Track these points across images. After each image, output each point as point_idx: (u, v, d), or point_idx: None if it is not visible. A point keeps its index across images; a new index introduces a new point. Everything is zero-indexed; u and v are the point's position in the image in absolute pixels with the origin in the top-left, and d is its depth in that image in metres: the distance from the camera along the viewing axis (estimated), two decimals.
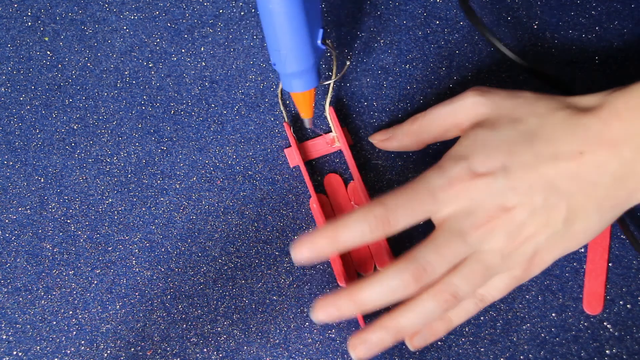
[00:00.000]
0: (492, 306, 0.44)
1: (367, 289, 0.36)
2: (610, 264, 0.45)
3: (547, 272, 0.45)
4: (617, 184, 0.36)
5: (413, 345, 0.40)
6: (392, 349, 0.44)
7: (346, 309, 0.37)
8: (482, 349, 0.44)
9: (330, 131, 0.45)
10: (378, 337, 0.38)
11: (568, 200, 0.36)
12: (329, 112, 0.45)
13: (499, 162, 0.37)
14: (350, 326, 0.44)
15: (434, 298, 0.37)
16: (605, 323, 0.44)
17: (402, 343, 0.44)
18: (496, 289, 0.39)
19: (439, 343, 0.44)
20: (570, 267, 0.45)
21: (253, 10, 0.47)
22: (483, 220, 0.36)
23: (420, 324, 0.38)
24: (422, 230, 0.45)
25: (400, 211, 0.36)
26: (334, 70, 0.43)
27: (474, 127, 0.39)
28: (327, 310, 0.37)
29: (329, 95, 0.44)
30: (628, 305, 0.44)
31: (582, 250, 0.45)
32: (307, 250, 0.37)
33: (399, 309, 0.38)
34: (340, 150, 0.46)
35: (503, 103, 0.39)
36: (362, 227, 0.36)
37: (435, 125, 0.41)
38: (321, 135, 0.46)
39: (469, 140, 0.38)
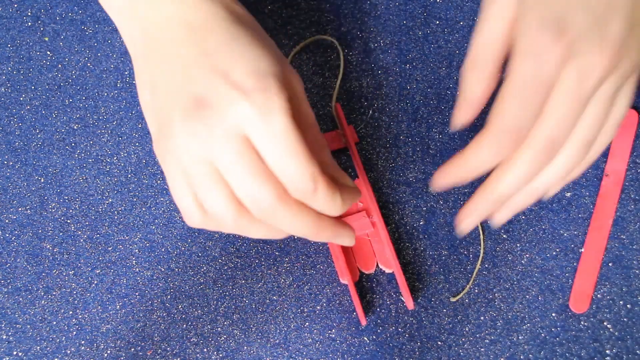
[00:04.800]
0: (492, 306, 0.44)
1: (502, 184, 0.36)
2: (610, 264, 0.45)
3: (547, 272, 0.45)
4: None
5: (498, 220, 0.39)
6: (392, 349, 0.44)
7: (486, 210, 0.37)
8: (482, 349, 0.44)
9: (336, 128, 0.45)
10: (518, 202, 0.37)
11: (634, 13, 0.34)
12: (335, 109, 0.45)
13: (572, 1, 0.33)
14: (350, 326, 0.44)
15: (567, 156, 0.36)
16: (605, 323, 0.44)
17: (402, 344, 0.44)
18: (624, 108, 0.36)
19: (439, 343, 0.44)
20: (570, 267, 0.45)
21: (254, 9, 0.47)
22: (595, 68, 0.33)
23: (552, 179, 0.37)
24: (423, 230, 0.45)
25: (525, 122, 0.34)
26: (342, 67, 0.43)
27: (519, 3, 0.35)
28: (472, 217, 0.37)
29: (336, 92, 0.44)
30: (628, 305, 0.44)
31: (582, 250, 0.45)
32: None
33: (546, 168, 0.37)
34: (344, 147, 0.46)
35: None
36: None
37: (495, 48, 0.37)
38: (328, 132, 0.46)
39: (526, 5, 0.34)
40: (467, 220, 0.38)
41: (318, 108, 0.46)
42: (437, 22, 0.47)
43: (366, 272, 0.45)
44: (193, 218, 0.35)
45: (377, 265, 0.45)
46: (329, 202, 0.35)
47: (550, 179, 0.37)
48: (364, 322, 0.43)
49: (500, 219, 0.38)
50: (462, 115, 0.37)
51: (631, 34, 0.34)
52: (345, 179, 0.39)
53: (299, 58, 0.47)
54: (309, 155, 0.34)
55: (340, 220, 0.37)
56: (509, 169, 0.35)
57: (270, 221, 0.34)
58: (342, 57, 0.42)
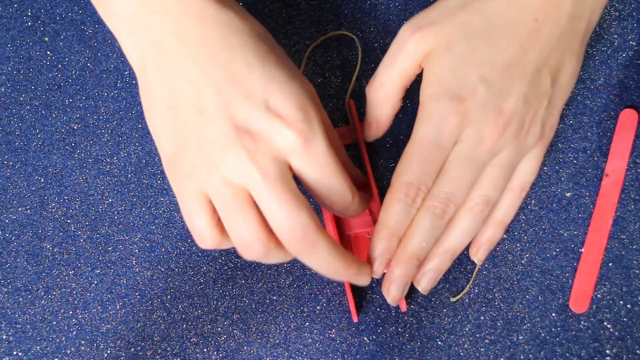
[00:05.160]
0: (492, 306, 0.44)
1: (411, 241, 0.39)
2: (610, 264, 0.45)
3: (547, 272, 0.45)
4: (576, 22, 0.38)
5: (479, 259, 0.43)
6: (392, 349, 0.44)
7: (407, 271, 0.39)
8: (482, 349, 0.44)
9: (347, 124, 0.45)
10: (435, 263, 0.40)
11: (546, 66, 0.38)
12: (348, 105, 0.45)
13: (475, 77, 0.37)
14: (350, 326, 0.44)
15: (469, 214, 0.39)
16: (605, 323, 0.44)
17: (402, 344, 0.44)
18: (529, 173, 0.41)
19: (439, 343, 0.44)
20: (570, 267, 0.45)
21: (253, 9, 0.47)
22: (487, 135, 0.37)
23: (468, 239, 0.40)
24: None
25: (424, 178, 0.38)
26: (358, 63, 0.43)
27: (432, 59, 0.38)
28: (396, 285, 0.39)
29: (351, 88, 0.44)
30: (628, 305, 0.44)
31: (582, 250, 0.45)
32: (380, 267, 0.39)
33: (444, 234, 0.40)
34: (351, 144, 0.46)
35: (442, 20, 0.38)
36: (403, 210, 0.38)
37: (399, 82, 0.40)
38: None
39: (433, 74, 0.38)
40: (393, 286, 0.40)
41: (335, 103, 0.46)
42: None
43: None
44: (207, 240, 0.35)
45: None
46: (359, 209, 0.38)
47: (460, 238, 0.40)
48: (355, 318, 0.43)
49: (425, 285, 0.41)
50: (372, 132, 0.42)
51: (528, 110, 0.38)
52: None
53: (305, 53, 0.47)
54: (344, 171, 0.36)
55: (362, 260, 0.39)
56: (414, 226, 0.39)
57: (305, 252, 0.35)
58: (360, 53, 0.42)
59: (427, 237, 0.39)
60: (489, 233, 0.42)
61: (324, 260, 0.35)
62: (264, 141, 0.33)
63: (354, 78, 0.44)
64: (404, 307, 0.43)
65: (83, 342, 0.44)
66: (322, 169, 0.34)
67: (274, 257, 0.35)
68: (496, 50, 0.37)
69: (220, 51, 0.33)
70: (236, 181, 0.33)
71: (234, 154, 0.33)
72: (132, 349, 0.44)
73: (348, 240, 0.45)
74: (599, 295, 0.44)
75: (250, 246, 0.34)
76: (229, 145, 0.33)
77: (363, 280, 0.38)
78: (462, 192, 0.38)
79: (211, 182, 0.33)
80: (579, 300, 0.44)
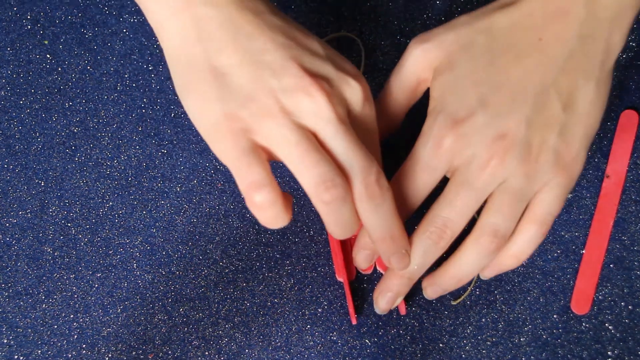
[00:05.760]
0: (494, 308, 0.44)
1: (406, 262, 0.38)
2: (611, 265, 0.45)
3: (548, 274, 0.45)
4: (589, 43, 0.36)
5: (484, 276, 0.40)
6: (393, 351, 0.44)
7: (398, 287, 0.39)
8: (483, 351, 0.44)
9: None
10: (441, 282, 0.39)
11: (554, 89, 0.36)
12: None
13: (473, 98, 0.36)
14: (351, 329, 0.44)
15: (476, 245, 0.37)
16: (607, 324, 0.44)
17: (403, 347, 0.44)
18: (549, 204, 0.37)
19: (441, 345, 0.44)
20: (572, 268, 0.45)
21: None
22: (486, 159, 0.36)
23: (475, 271, 0.38)
24: None
25: (416, 198, 0.38)
26: (362, 64, 0.43)
27: (435, 77, 0.38)
28: (385, 297, 0.40)
29: None
30: (629, 307, 0.44)
31: (583, 251, 0.45)
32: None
33: (450, 262, 0.39)
34: None
35: (446, 37, 0.38)
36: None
37: (402, 94, 0.40)
38: None
39: (436, 92, 0.38)
40: (381, 297, 0.40)
41: None
42: (437, 23, 0.47)
43: (363, 272, 0.45)
44: (264, 191, 0.33)
45: (375, 267, 0.45)
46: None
47: (466, 269, 0.38)
48: (354, 321, 0.43)
49: (431, 293, 0.41)
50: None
51: (533, 134, 0.36)
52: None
53: None
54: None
55: None
56: (412, 246, 0.38)
57: (375, 198, 0.34)
58: (362, 54, 0.42)
59: (419, 260, 0.38)
60: (500, 260, 0.39)
61: (389, 213, 0.35)
62: (337, 88, 0.34)
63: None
64: (403, 311, 0.43)
65: (84, 345, 0.44)
66: (370, 128, 0.36)
67: (345, 206, 0.34)
68: (497, 70, 0.36)
69: (276, 19, 0.35)
70: (308, 124, 0.34)
71: (309, 97, 0.33)
72: (134, 353, 0.44)
73: (347, 242, 0.45)
74: (600, 297, 0.44)
75: (333, 182, 0.33)
76: (305, 89, 0.33)
77: (403, 262, 0.37)
78: (461, 218, 0.37)
79: (280, 129, 0.33)
80: (581, 301, 0.44)
